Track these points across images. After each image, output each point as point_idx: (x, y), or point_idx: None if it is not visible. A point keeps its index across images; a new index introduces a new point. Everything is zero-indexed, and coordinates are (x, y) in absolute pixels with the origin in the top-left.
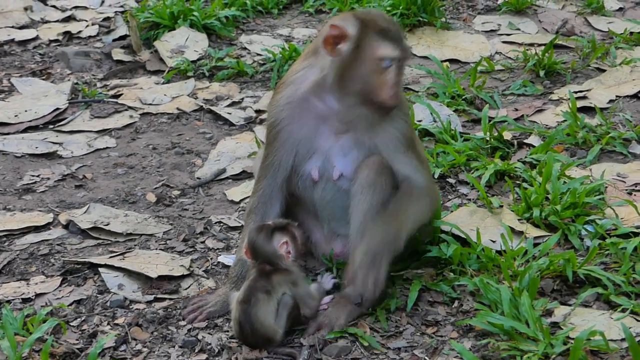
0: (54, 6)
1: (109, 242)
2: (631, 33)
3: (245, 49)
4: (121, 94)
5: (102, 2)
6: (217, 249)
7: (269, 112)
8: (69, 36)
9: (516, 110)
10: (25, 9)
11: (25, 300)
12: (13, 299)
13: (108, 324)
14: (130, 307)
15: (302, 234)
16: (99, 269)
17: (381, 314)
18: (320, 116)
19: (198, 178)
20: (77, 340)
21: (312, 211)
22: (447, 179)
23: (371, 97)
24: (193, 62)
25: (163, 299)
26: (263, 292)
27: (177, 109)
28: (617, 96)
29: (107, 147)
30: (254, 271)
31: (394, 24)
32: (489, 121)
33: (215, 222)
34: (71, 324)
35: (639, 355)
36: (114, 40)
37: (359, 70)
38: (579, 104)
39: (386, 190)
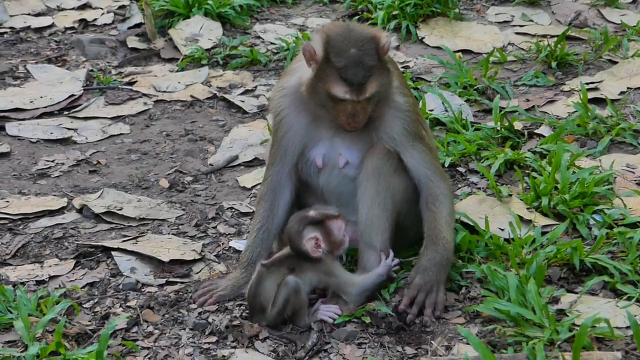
0: None
1: (122, 226)
2: None
3: (259, 37)
4: (135, 81)
5: None
6: (229, 234)
7: (272, 100)
8: (84, 24)
9: (527, 100)
10: None
11: (39, 282)
12: (27, 281)
13: (120, 306)
14: (142, 290)
15: (342, 227)
16: (112, 252)
17: (386, 294)
18: (317, 109)
19: (211, 164)
20: (89, 321)
21: (321, 198)
22: (458, 168)
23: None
24: (207, 50)
25: (174, 283)
26: (286, 267)
27: (191, 96)
28: (628, 88)
29: (121, 134)
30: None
31: (358, 62)
32: (500, 111)
33: (227, 208)
34: (84, 305)
35: None
36: (129, 28)
37: (320, 93)
38: (590, 95)
39: (392, 177)
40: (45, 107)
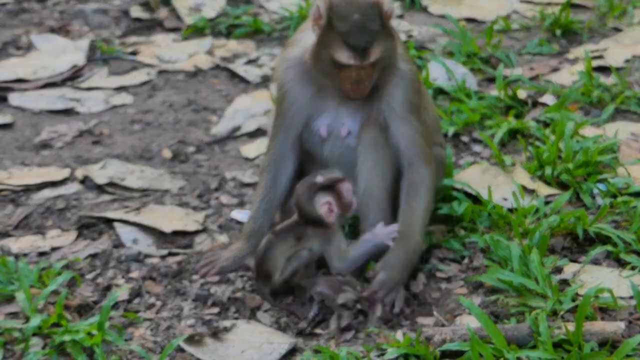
0: None
1: (125, 197)
2: None
3: (262, 7)
4: (139, 52)
5: None
6: (231, 205)
7: (276, 71)
8: None
9: (532, 69)
10: None
11: (41, 254)
12: (29, 253)
13: (122, 277)
14: (145, 261)
15: (351, 189)
16: (114, 223)
17: None
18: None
19: (213, 135)
20: (91, 293)
21: (323, 168)
22: (461, 137)
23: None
24: (211, 19)
25: (177, 254)
26: (293, 236)
27: (194, 66)
28: (633, 56)
29: (124, 104)
30: (297, 216)
31: (361, 27)
32: (504, 80)
33: (230, 179)
34: (86, 277)
35: None
36: None
37: (324, 60)
38: (595, 63)
39: (389, 147)
40: (48, 77)
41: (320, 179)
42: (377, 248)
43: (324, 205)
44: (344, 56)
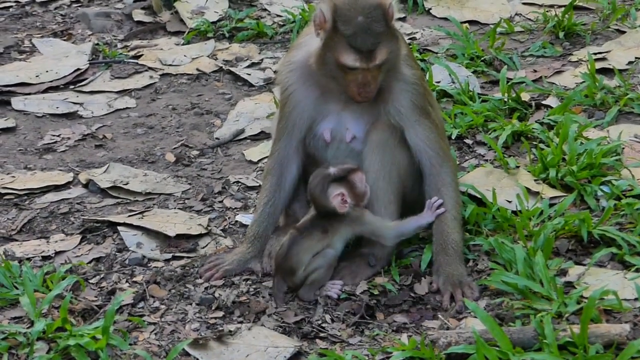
0: None
1: (128, 201)
2: None
3: (265, 10)
4: (141, 55)
5: None
6: (235, 208)
7: (279, 74)
8: None
9: (535, 71)
10: None
11: (45, 258)
12: (33, 257)
13: (126, 281)
14: (149, 265)
15: (364, 179)
16: (118, 227)
17: (395, 272)
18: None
19: (217, 138)
20: (95, 297)
21: None
22: (465, 140)
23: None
24: (213, 23)
25: (181, 258)
26: (320, 230)
27: (197, 69)
28: (636, 58)
29: (127, 108)
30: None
31: (366, 29)
32: (507, 82)
33: (234, 182)
34: (90, 281)
35: None
36: (134, 1)
37: (330, 63)
38: (598, 65)
39: (397, 150)
40: (51, 81)
41: (333, 170)
42: (423, 227)
43: (336, 196)
44: (349, 59)
